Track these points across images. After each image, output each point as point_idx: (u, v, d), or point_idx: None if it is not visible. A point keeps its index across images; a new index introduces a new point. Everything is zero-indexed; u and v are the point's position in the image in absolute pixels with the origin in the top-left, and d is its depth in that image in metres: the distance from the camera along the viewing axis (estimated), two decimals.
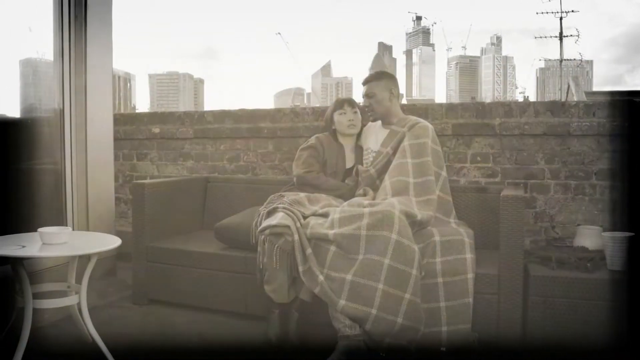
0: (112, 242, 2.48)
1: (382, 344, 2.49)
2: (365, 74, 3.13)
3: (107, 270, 3.60)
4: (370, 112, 3.18)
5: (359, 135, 3.35)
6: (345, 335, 2.47)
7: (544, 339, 2.62)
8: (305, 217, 2.79)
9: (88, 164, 3.49)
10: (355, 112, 3.27)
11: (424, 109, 3.62)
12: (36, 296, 2.40)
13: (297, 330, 2.74)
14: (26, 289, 2.28)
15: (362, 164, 3.22)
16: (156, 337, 2.84)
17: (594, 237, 2.99)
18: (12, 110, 3.43)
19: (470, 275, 2.65)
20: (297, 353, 2.66)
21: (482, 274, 2.68)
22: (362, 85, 3.22)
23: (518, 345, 2.61)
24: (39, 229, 2.39)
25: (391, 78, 3.22)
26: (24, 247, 2.31)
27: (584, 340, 2.55)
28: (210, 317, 3.09)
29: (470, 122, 3.54)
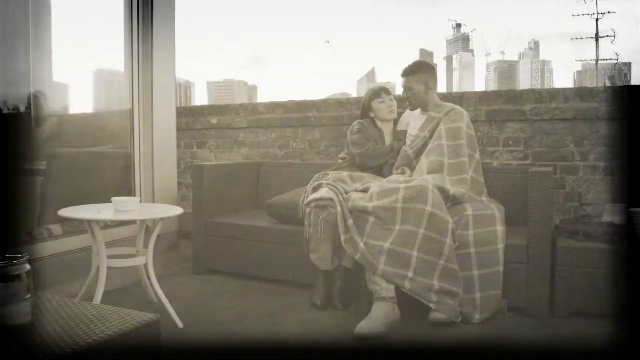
0: (175, 210, 2.60)
1: (429, 296, 2.52)
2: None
3: (170, 245, 3.77)
4: (408, 103, 3.21)
5: (396, 121, 3.39)
6: (381, 297, 2.52)
7: (570, 306, 2.61)
8: (347, 193, 2.85)
9: (154, 153, 3.67)
10: (392, 99, 3.32)
11: (459, 97, 3.61)
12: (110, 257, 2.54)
13: (339, 295, 2.81)
14: (101, 249, 2.42)
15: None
16: (214, 301, 2.95)
17: (621, 214, 2.94)
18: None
19: (500, 246, 2.66)
20: (339, 317, 2.72)
21: (511, 244, 2.69)
22: (400, 77, 3.23)
23: (545, 311, 2.62)
24: (113, 198, 2.54)
25: (427, 69, 3.18)
26: (99, 212, 2.46)
27: (609, 308, 2.53)
28: (262, 285, 3.19)
29: (503, 108, 3.51)
